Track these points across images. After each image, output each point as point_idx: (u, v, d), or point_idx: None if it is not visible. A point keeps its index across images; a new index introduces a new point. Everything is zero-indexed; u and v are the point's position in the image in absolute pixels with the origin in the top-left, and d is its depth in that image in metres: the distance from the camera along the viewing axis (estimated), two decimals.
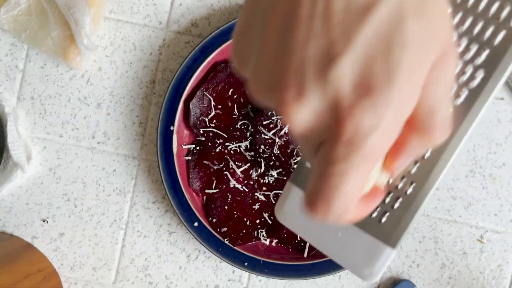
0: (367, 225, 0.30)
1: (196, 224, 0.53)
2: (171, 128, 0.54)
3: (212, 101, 0.54)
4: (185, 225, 0.53)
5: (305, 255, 0.54)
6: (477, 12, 0.27)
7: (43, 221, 0.57)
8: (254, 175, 0.54)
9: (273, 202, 0.54)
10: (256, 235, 0.54)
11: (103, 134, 0.57)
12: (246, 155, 0.54)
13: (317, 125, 0.20)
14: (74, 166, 0.57)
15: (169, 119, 0.54)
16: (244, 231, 0.54)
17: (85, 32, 0.53)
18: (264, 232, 0.54)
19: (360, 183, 0.21)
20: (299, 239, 0.54)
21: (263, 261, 0.53)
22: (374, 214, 0.30)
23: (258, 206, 0.54)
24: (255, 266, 0.53)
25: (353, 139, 0.20)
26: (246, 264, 0.53)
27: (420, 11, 0.19)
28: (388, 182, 0.29)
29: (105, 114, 0.57)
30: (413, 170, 0.28)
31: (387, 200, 0.29)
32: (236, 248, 0.53)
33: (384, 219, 0.29)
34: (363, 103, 0.19)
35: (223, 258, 0.53)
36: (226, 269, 0.57)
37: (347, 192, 0.21)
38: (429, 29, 0.20)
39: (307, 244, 0.54)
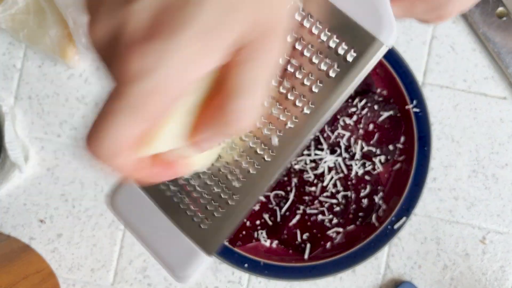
0: (190, 229, 0.30)
1: None
2: None
3: None
4: None
5: (306, 256, 0.53)
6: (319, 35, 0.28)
7: (41, 222, 0.57)
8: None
9: (274, 203, 0.53)
10: (256, 236, 0.54)
11: None
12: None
13: (107, 50, 0.21)
14: (72, 166, 0.57)
15: None
16: (244, 232, 0.54)
17: (83, 31, 0.52)
18: (264, 233, 0.54)
19: (131, 129, 0.20)
20: (299, 240, 0.54)
21: (263, 262, 0.53)
22: (195, 219, 0.30)
23: (258, 207, 0.54)
24: (255, 268, 0.53)
25: (124, 78, 0.20)
26: (246, 265, 0.53)
27: None
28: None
29: None
30: (237, 185, 0.29)
31: (209, 207, 0.29)
32: (235, 249, 0.53)
33: (204, 226, 0.30)
34: (146, 44, 0.19)
35: (223, 259, 0.53)
36: (226, 270, 0.56)
37: (116, 132, 0.20)
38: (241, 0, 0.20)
39: (308, 246, 0.53)
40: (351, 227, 0.54)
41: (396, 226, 0.53)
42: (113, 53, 0.20)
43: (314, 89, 0.28)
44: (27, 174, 0.57)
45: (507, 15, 0.55)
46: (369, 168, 0.54)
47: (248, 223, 0.54)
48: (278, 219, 0.53)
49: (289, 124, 0.28)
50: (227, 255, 0.53)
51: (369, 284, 0.56)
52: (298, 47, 0.28)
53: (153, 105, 0.20)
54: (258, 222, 0.54)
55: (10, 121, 0.54)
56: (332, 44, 0.27)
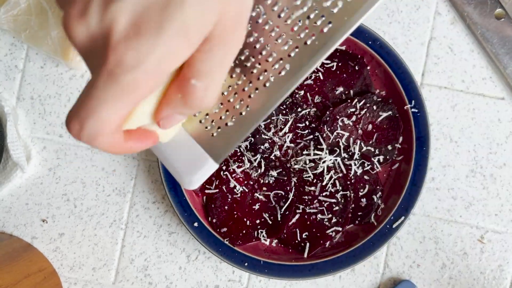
0: (201, 136, 0.31)
1: (196, 224, 0.53)
2: None
3: None
4: (185, 225, 0.53)
5: (305, 255, 0.54)
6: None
7: (43, 221, 0.57)
8: (254, 175, 0.54)
9: (273, 202, 0.54)
10: (256, 235, 0.54)
11: None
12: (246, 155, 0.54)
13: (91, 47, 0.23)
14: (73, 166, 0.57)
15: None
16: (244, 231, 0.54)
17: None
18: (264, 233, 0.54)
19: (116, 114, 0.23)
20: (299, 239, 0.54)
21: (263, 261, 0.53)
22: (209, 127, 0.31)
23: (258, 206, 0.54)
24: (255, 267, 0.53)
25: (113, 70, 0.22)
26: (246, 264, 0.53)
27: None
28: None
29: None
30: (252, 95, 0.30)
31: (223, 117, 0.31)
32: (236, 248, 0.53)
33: (215, 133, 0.31)
34: (130, 42, 0.22)
35: (223, 258, 0.53)
36: (226, 269, 0.56)
37: (100, 117, 0.23)
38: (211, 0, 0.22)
39: (307, 245, 0.54)
40: (350, 226, 0.55)
41: (395, 226, 0.53)
42: (99, 48, 0.22)
43: (334, 10, 0.28)
44: (29, 174, 0.57)
45: (505, 16, 0.55)
46: (368, 168, 0.54)
47: (248, 222, 0.54)
48: (278, 218, 0.54)
49: (308, 42, 0.29)
50: (227, 254, 0.53)
51: (368, 283, 0.56)
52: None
53: (140, 91, 0.23)
54: (258, 221, 0.54)
55: (12, 122, 0.55)
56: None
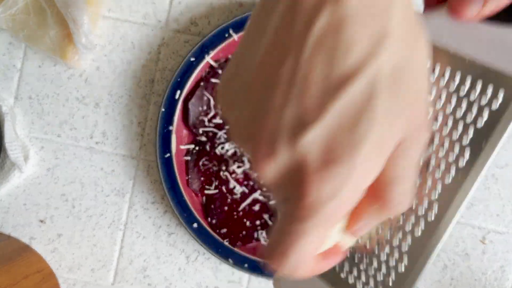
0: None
1: (195, 225, 0.53)
2: (170, 128, 0.53)
3: (211, 100, 0.54)
4: (184, 226, 0.53)
5: None
6: (459, 95, 0.27)
7: (41, 222, 0.57)
8: (254, 175, 0.54)
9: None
10: (256, 236, 0.54)
11: (102, 134, 0.56)
12: (246, 155, 0.54)
13: (284, 183, 0.22)
14: (72, 166, 0.57)
15: (168, 119, 0.53)
16: (244, 232, 0.54)
17: (83, 31, 0.52)
18: (264, 233, 0.54)
19: (316, 242, 0.23)
20: None
21: (263, 262, 0.53)
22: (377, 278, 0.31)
23: (258, 207, 0.54)
24: (255, 268, 0.53)
25: (313, 203, 0.21)
26: (246, 265, 0.53)
27: (394, 87, 0.20)
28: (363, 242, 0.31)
29: (104, 113, 0.56)
30: (405, 248, 0.30)
31: (391, 263, 0.31)
32: (236, 249, 0.53)
33: (390, 283, 0.31)
34: (326, 171, 0.21)
35: (223, 259, 0.53)
36: (226, 270, 0.56)
37: (303, 250, 0.22)
38: (400, 106, 0.21)
39: None
40: None
41: None
42: (293, 182, 0.22)
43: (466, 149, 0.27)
44: (27, 174, 0.57)
45: None
46: None
47: (248, 223, 0.54)
48: None
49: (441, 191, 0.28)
50: (227, 255, 0.53)
51: None
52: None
53: (335, 220, 0.22)
54: (258, 222, 0.54)
55: (10, 121, 0.54)
56: (472, 97, 0.26)
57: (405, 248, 0.30)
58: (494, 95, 0.26)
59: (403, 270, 0.31)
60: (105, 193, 0.57)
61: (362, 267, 0.32)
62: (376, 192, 0.24)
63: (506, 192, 0.56)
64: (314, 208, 0.21)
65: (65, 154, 0.57)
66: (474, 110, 0.27)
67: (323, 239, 0.23)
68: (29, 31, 0.54)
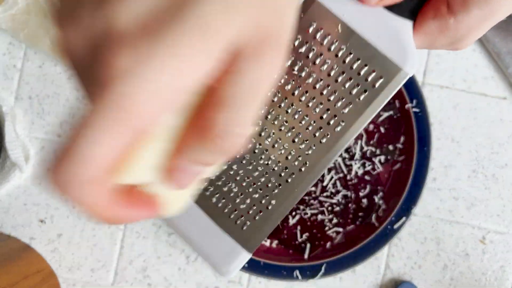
0: (231, 229, 0.35)
1: None
2: None
3: None
4: None
5: (306, 256, 0.53)
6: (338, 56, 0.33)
7: (41, 222, 0.57)
8: None
9: None
10: None
11: None
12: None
13: (84, 59, 0.18)
14: None
15: None
16: None
17: None
18: None
19: (105, 146, 0.17)
20: (299, 240, 0.54)
21: (263, 262, 0.53)
22: (238, 222, 0.35)
23: None
24: (255, 268, 0.53)
25: (105, 81, 0.16)
26: (246, 265, 0.53)
27: None
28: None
29: None
30: (275, 191, 0.34)
31: (250, 211, 0.35)
32: None
33: (245, 227, 0.35)
34: (135, 40, 0.16)
35: None
36: None
37: (82, 151, 0.17)
38: (245, 2, 0.17)
39: (308, 246, 0.53)
40: (351, 227, 0.54)
41: (396, 226, 0.53)
42: (94, 60, 0.17)
43: (345, 110, 0.32)
44: (28, 174, 0.57)
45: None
46: (369, 168, 0.54)
47: None
48: None
49: (323, 140, 0.33)
50: None
51: (369, 284, 0.55)
52: (316, 60, 0.33)
53: (140, 115, 0.16)
54: None
55: (10, 121, 0.54)
56: (361, 71, 0.32)
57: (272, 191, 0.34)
58: (370, 72, 0.32)
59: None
60: None
61: (238, 199, 0.35)
62: (200, 117, 0.19)
63: (506, 192, 0.56)
64: (106, 86, 0.16)
65: None
66: (350, 74, 0.32)
67: (116, 148, 0.17)
68: (30, 31, 0.54)
